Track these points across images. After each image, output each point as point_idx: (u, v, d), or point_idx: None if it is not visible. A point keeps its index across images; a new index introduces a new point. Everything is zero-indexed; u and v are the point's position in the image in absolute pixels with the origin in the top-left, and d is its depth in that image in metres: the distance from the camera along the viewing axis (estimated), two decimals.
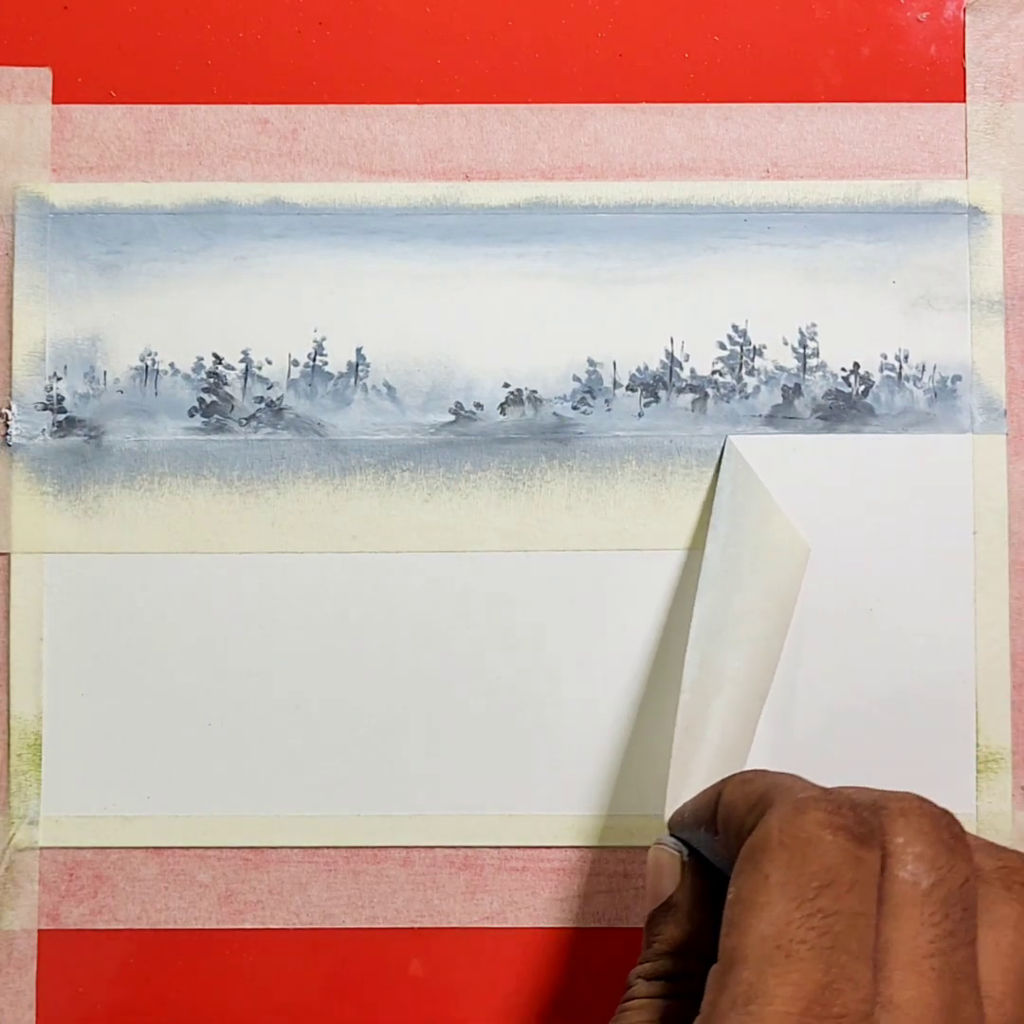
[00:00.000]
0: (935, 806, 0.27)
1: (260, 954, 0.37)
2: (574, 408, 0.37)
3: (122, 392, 0.37)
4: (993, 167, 0.38)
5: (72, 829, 0.37)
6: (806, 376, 0.37)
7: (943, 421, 0.37)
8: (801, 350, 0.37)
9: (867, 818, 0.26)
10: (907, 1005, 0.25)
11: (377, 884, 0.37)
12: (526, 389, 0.37)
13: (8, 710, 0.37)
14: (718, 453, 0.37)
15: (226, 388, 0.37)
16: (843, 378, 0.37)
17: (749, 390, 0.37)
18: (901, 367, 0.37)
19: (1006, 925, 0.27)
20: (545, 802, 0.37)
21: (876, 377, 0.37)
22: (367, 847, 0.37)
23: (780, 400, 0.37)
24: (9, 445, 0.37)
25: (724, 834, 0.29)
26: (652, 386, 0.37)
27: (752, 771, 0.30)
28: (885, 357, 0.37)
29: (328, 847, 0.37)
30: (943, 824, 0.26)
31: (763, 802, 0.27)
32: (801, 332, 0.37)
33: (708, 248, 0.37)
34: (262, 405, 0.37)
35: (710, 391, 0.37)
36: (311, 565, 0.37)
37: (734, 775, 0.30)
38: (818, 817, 0.26)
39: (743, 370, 0.37)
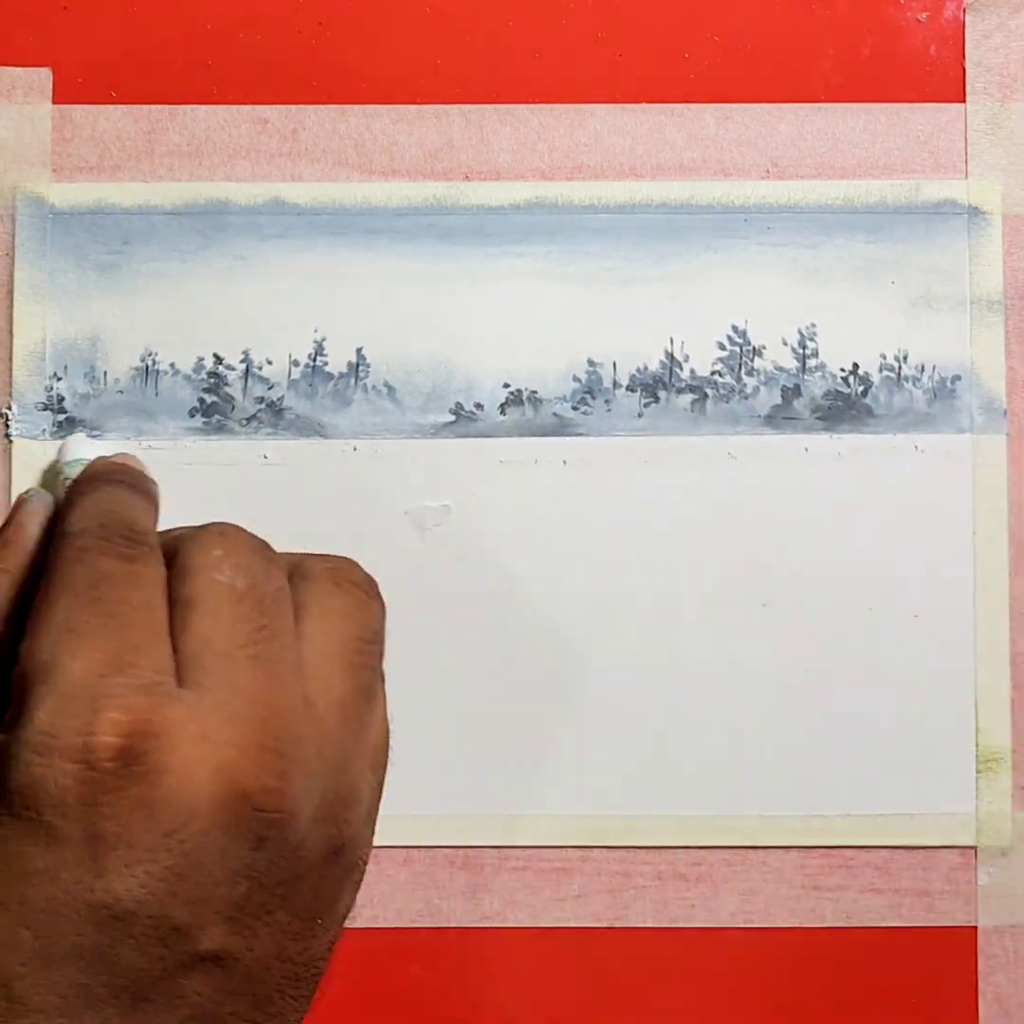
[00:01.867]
0: (252, 535, 0.30)
1: None
2: (574, 408, 0.37)
3: (122, 392, 0.37)
4: (993, 167, 0.38)
5: None
6: (805, 376, 0.37)
7: (943, 421, 0.37)
8: (800, 350, 0.37)
9: (138, 543, 0.28)
10: (218, 687, 0.26)
11: (377, 884, 0.37)
12: (526, 389, 0.37)
13: None
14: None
15: (226, 388, 0.37)
16: (842, 378, 0.37)
17: (748, 390, 0.37)
18: (900, 367, 0.37)
19: (335, 614, 0.29)
20: (546, 802, 0.37)
21: (875, 377, 0.37)
22: None
23: (779, 400, 0.37)
24: (10, 444, 0.37)
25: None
26: (652, 386, 0.37)
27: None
28: (884, 357, 0.37)
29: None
30: (259, 545, 0.29)
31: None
32: (801, 332, 0.37)
33: (708, 248, 0.37)
34: (262, 405, 0.37)
35: (709, 391, 0.37)
36: None
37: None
38: (87, 542, 0.28)
39: (743, 370, 0.37)
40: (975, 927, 0.37)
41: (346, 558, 0.31)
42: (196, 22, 0.38)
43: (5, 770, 0.26)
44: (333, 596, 0.30)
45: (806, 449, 0.37)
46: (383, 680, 0.30)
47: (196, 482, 0.37)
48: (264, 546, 0.30)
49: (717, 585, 0.37)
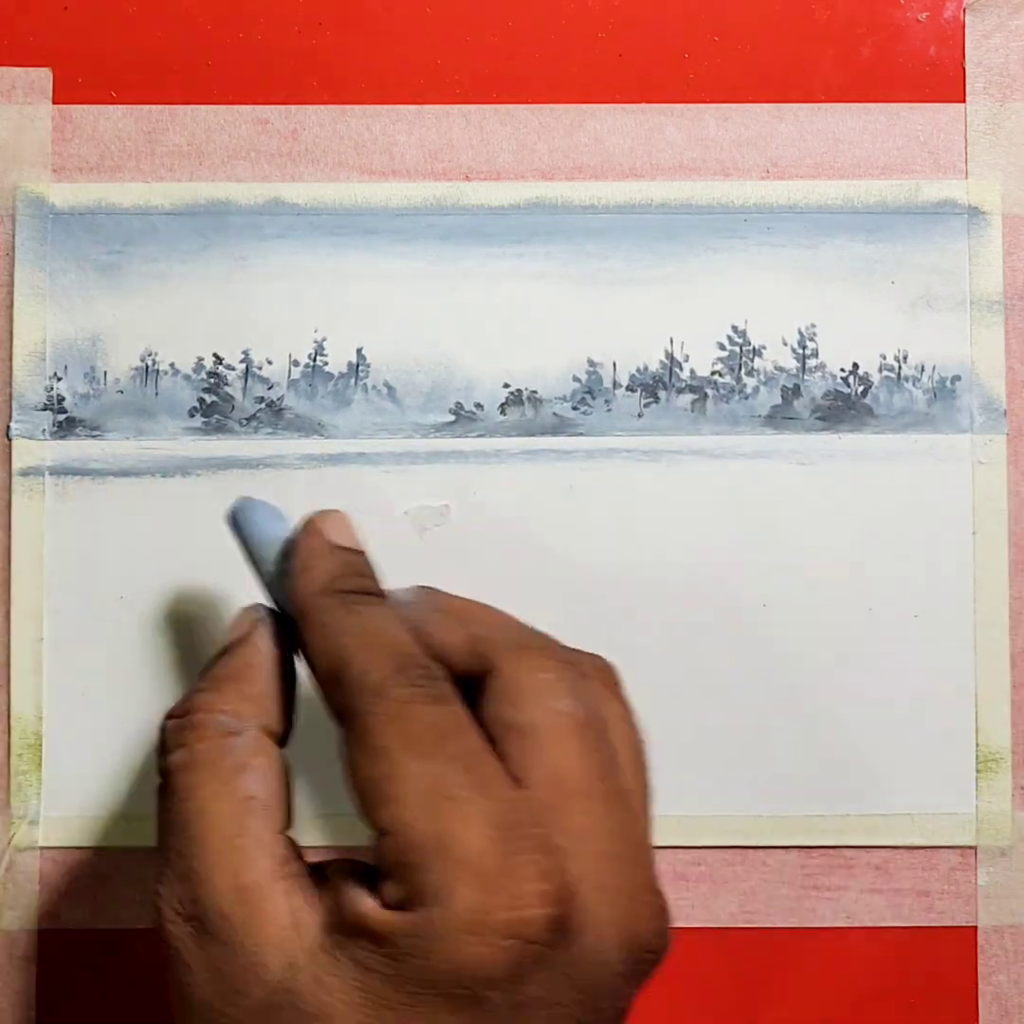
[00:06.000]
0: (559, 645, 0.29)
1: None
2: (574, 408, 0.37)
3: (122, 392, 0.37)
4: (993, 167, 0.38)
5: (72, 829, 0.37)
6: (805, 376, 0.37)
7: (943, 421, 0.37)
8: (800, 350, 0.37)
9: (438, 680, 0.28)
10: (586, 829, 0.26)
11: None
12: (526, 389, 0.37)
13: (8, 710, 0.37)
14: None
15: (226, 388, 0.37)
16: (842, 378, 0.37)
17: (748, 390, 0.37)
18: (900, 367, 0.37)
19: (619, 719, 0.29)
20: None
21: (875, 377, 0.37)
22: (368, 848, 0.37)
23: (779, 400, 0.37)
24: (10, 444, 0.37)
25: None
26: (652, 386, 0.37)
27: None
28: (884, 357, 0.37)
29: (329, 847, 0.37)
30: (572, 661, 0.29)
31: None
32: (800, 332, 0.37)
33: (708, 248, 0.37)
34: (262, 405, 0.37)
35: (709, 391, 0.37)
36: None
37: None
38: (401, 693, 0.27)
39: (742, 370, 0.37)
40: (975, 927, 0.37)
41: (601, 658, 0.30)
42: (196, 22, 0.38)
43: (427, 953, 0.25)
44: (612, 701, 0.29)
45: (806, 449, 0.37)
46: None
47: (196, 482, 0.37)
48: (575, 663, 0.29)
49: (717, 585, 0.37)
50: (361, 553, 0.31)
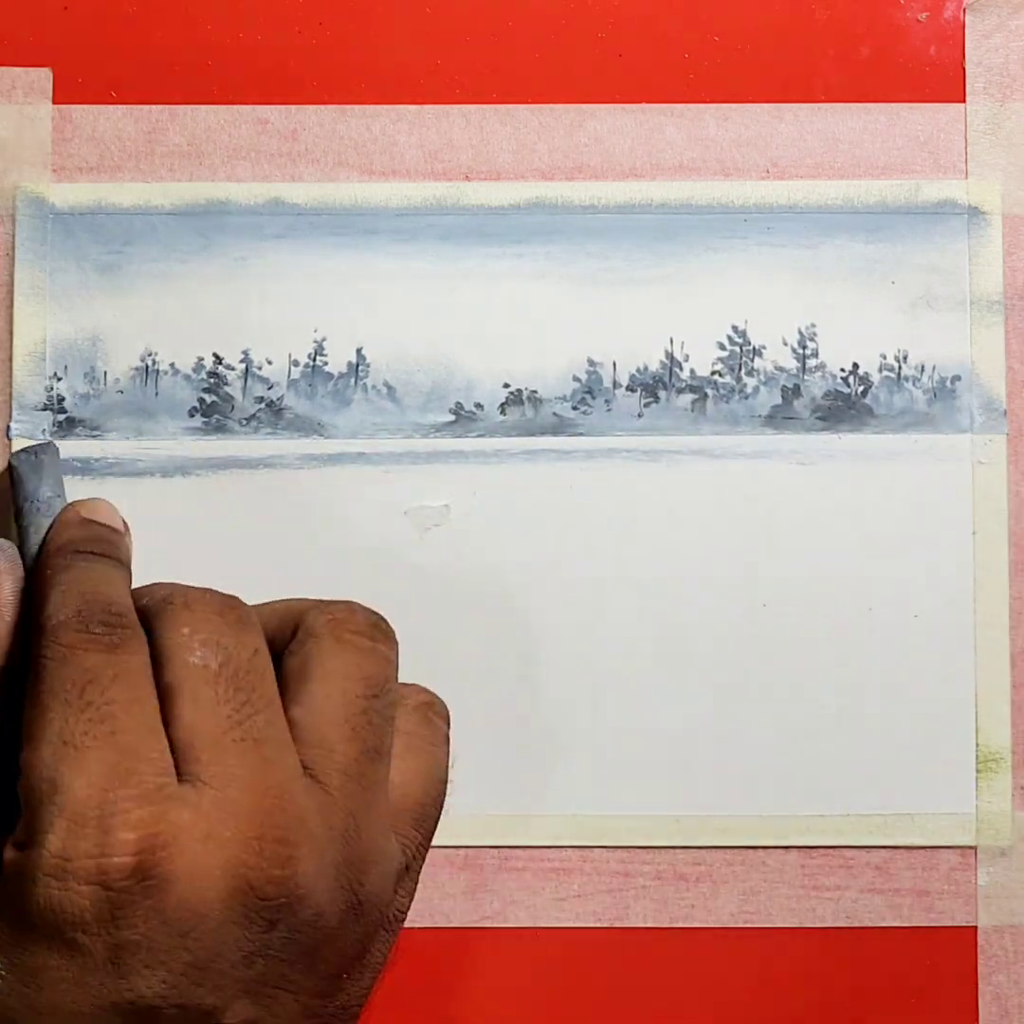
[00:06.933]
0: (219, 593, 0.30)
1: None
2: (574, 408, 0.37)
3: (122, 392, 0.37)
4: (993, 167, 0.38)
5: None
6: (805, 376, 0.37)
7: (943, 421, 0.37)
8: (800, 350, 0.37)
9: (118, 628, 0.28)
10: (214, 779, 0.27)
11: None
12: (526, 389, 0.37)
13: None
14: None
15: (226, 388, 0.37)
16: (842, 378, 0.37)
17: (748, 390, 0.37)
18: (900, 367, 0.37)
19: (337, 674, 0.29)
20: (546, 802, 0.37)
21: (875, 377, 0.37)
22: None
23: (779, 400, 0.37)
24: (9, 444, 0.37)
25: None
26: (652, 386, 0.37)
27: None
28: (884, 357, 0.37)
29: None
30: (228, 607, 0.29)
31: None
32: (800, 332, 0.37)
33: (708, 248, 0.37)
34: (262, 405, 0.37)
35: (709, 391, 0.37)
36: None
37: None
38: (69, 638, 0.28)
39: (742, 370, 0.37)
40: (975, 927, 0.37)
41: (346, 604, 0.31)
42: (196, 22, 0.38)
43: (25, 892, 0.27)
44: (333, 654, 0.30)
45: (806, 449, 0.37)
46: (392, 734, 0.30)
47: (195, 482, 0.37)
48: (232, 608, 0.30)
49: (717, 585, 0.37)
50: (113, 530, 0.33)
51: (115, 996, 0.26)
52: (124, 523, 0.34)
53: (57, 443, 0.36)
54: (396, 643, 0.31)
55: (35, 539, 0.33)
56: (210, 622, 0.29)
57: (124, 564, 0.32)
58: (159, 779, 0.27)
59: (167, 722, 0.28)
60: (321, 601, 0.31)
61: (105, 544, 0.32)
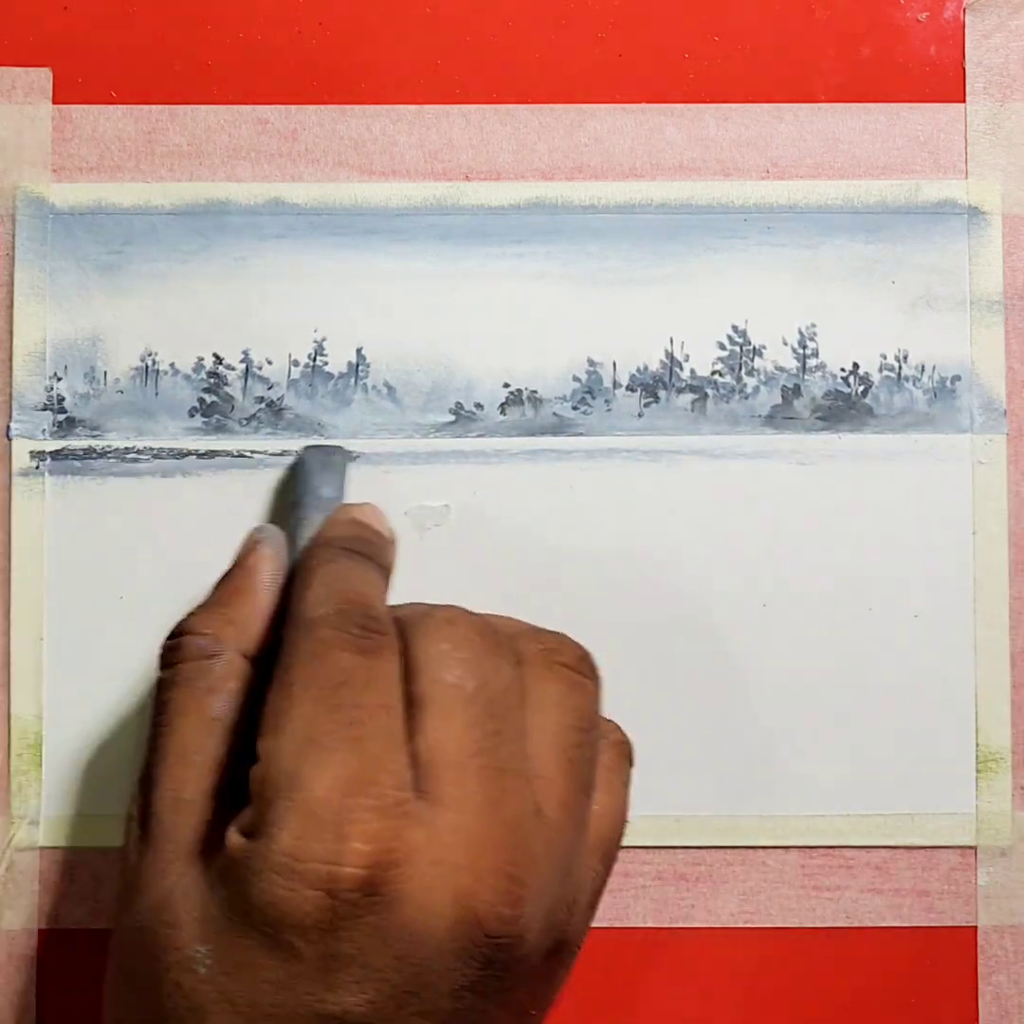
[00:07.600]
0: (476, 614, 0.29)
1: None
2: (574, 408, 0.37)
3: (122, 392, 0.37)
4: (993, 167, 0.38)
5: (72, 829, 0.37)
6: (806, 376, 0.37)
7: (943, 421, 0.37)
8: (801, 350, 0.37)
9: (376, 633, 0.28)
10: (453, 802, 0.26)
11: None
12: (526, 389, 0.37)
13: (8, 710, 0.37)
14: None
15: (226, 388, 0.37)
16: (842, 378, 0.37)
17: (749, 390, 0.37)
18: (900, 367, 0.37)
19: (550, 704, 0.29)
20: None
21: (875, 377, 0.37)
22: None
23: (780, 400, 0.37)
24: (9, 444, 0.37)
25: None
26: (652, 386, 0.37)
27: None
28: (884, 357, 0.37)
29: None
30: (489, 630, 0.29)
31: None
32: (801, 332, 0.37)
33: (708, 248, 0.37)
34: (262, 405, 0.37)
35: (710, 391, 0.37)
36: None
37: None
38: (327, 634, 0.28)
39: (743, 370, 0.37)
40: (975, 927, 0.37)
41: (558, 635, 0.30)
42: (196, 22, 0.38)
43: (247, 885, 0.26)
44: (548, 682, 0.29)
45: (806, 449, 0.37)
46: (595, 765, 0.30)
47: (195, 482, 0.37)
48: (493, 631, 0.29)
49: (717, 585, 0.37)
50: (380, 534, 0.33)
51: (319, 1007, 0.26)
52: (392, 532, 0.33)
53: (58, 443, 0.36)
54: (601, 680, 0.30)
55: (305, 534, 0.33)
56: (471, 642, 0.28)
57: (386, 571, 0.31)
58: (399, 793, 0.26)
59: (412, 733, 0.27)
60: (532, 628, 0.30)
61: (371, 547, 0.31)
